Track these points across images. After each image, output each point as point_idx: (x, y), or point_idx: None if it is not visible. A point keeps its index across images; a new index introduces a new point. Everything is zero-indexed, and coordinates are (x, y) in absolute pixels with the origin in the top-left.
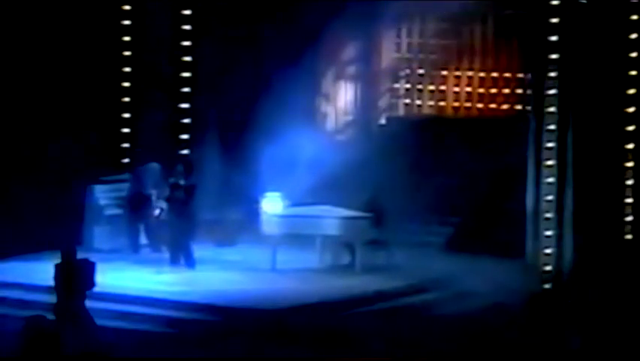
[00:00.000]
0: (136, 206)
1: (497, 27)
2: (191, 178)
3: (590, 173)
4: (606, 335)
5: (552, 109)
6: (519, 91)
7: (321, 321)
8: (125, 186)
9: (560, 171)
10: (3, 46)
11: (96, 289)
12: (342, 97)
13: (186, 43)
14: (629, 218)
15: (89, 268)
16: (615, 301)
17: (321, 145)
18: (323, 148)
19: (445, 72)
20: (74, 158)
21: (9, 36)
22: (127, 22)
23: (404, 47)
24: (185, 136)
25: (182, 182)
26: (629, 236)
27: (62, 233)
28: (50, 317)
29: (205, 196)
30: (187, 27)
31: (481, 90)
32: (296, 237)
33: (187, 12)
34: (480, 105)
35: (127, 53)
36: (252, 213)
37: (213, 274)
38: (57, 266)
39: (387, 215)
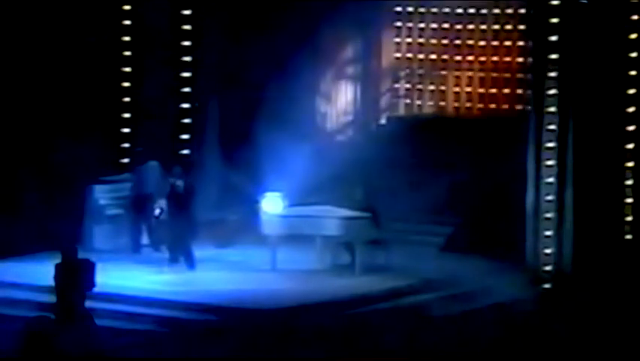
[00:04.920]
0: (138, 206)
1: (497, 27)
2: (189, 179)
3: (590, 173)
4: (606, 334)
5: (552, 109)
6: (519, 91)
7: (321, 321)
8: (125, 186)
9: (560, 171)
10: (4, 46)
11: (96, 289)
12: (342, 97)
13: (186, 43)
14: (629, 218)
15: (89, 268)
16: (615, 301)
17: (321, 145)
18: (323, 148)
19: (445, 72)
20: (75, 158)
21: (10, 36)
22: (127, 23)
23: (404, 47)
24: (185, 136)
25: (179, 183)
26: (629, 236)
27: (62, 233)
28: (50, 317)
29: (205, 196)
30: (187, 27)
31: (481, 90)
32: (296, 237)
33: (187, 12)
34: (480, 105)
35: (127, 53)
36: (252, 213)
37: (213, 274)
38: (57, 266)
39: (384, 214)
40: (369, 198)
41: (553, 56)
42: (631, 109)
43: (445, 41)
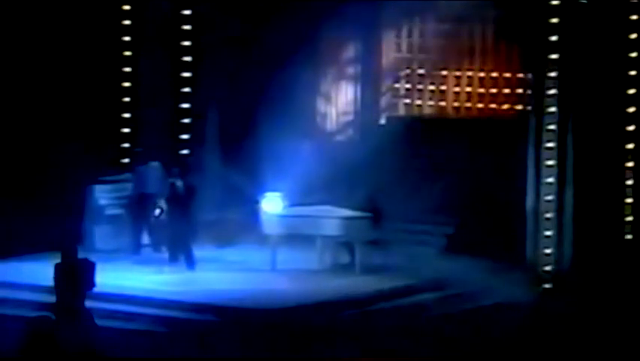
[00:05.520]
0: (138, 206)
1: (497, 27)
2: (188, 179)
3: (590, 173)
4: (606, 334)
5: (552, 109)
6: (519, 91)
7: (321, 321)
8: (125, 186)
9: (560, 171)
10: (3, 46)
11: (96, 289)
12: (342, 97)
13: (186, 43)
14: (629, 218)
15: (89, 268)
16: (615, 300)
17: (321, 145)
18: (323, 148)
19: (445, 72)
20: (74, 158)
21: (9, 36)
22: (127, 22)
23: (404, 47)
24: (185, 136)
25: (179, 183)
26: (629, 236)
27: (62, 233)
28: (50, 317)
29: (205, 196)
30: (187, 27)
31: (481, 90)
32: (296, 237)
33: (187, 12)
34: (480, 105)
35: (127, 54)
36: (252, 213)
37: (213, 274)
38: (57, 266)
39: (385, 214)
40: (373, 198)
41: (554, 56)
42: (631, 109)
43: (445, 41)
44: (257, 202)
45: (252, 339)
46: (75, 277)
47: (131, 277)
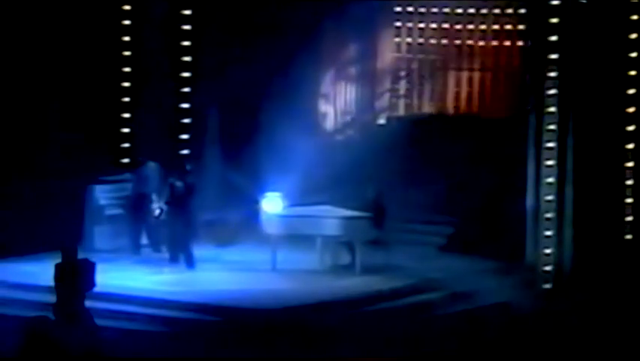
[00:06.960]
0: (138, 206)
1: (497, 27)
2: (187, 178)
3: (590, 173)
4: (606, 334)
5: (552, 109)
6: (519, 91)
7: (321, 321)
8: (125, 186)
9: (560, 171)
10: (3, 46)
11: (96, 289)
12: (342, 97)
13: (186, 42)
14: (629, 218)
15: (89, 268)
16: (615, 301)
17: (322, 145)
18: (323, 148)
19: (445, 72)
20: (74, 158)
21: (9, 36)
22: (127, 22)
23: (404, 47)
24: (185, 136)
25: (178, 183)
26: (629, 236)
27: (62, 233)
28: (50, 316)
29: (205, 196)
30: (187, 27)
31: (481, 90)
32: (296, 237)
33: (187, 12)
34: (480, 105)
35: (127, 53)
36: (252, 213)
37: (213, 274)
38: (57, 266)
39: (388, 215)
40: (377, 198)
41: (553, 56)
42: (631, 109)
43: (445, 41)
44: (257, 202)
45: (252, 339)
46: (75, 277)
47: (131, 277)
